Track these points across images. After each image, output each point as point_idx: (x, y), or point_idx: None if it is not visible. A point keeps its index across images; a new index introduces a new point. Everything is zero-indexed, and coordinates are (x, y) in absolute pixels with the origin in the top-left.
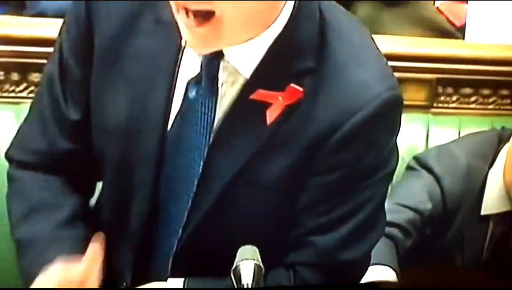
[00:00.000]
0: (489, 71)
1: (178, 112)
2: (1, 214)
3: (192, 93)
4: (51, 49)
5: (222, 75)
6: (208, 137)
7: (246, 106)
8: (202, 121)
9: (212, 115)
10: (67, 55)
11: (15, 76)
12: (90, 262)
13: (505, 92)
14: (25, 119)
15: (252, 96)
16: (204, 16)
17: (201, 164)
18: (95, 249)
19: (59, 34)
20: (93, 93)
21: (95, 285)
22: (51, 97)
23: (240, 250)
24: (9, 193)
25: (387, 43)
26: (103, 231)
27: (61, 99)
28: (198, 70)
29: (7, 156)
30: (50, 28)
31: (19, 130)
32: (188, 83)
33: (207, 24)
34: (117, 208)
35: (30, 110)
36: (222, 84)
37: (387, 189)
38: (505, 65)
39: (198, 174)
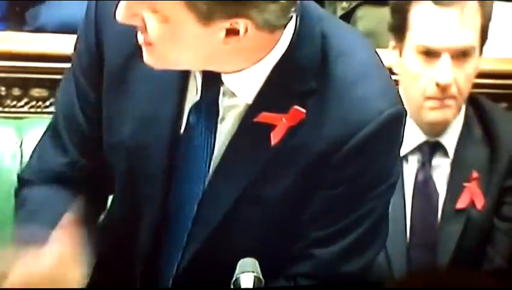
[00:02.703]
0: (488, 84)
1: (181, 137)
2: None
3: (193, 119)
4: (52, 65)
5: (222, 100)
6: (208, 162)
7: (249, 129)
8: (202, 147)
9: (212, 140)
10: (81, 78)
11: (16, 91)
12: (62, 256)
13: (503, 104)
14: (38, 143)
15: (256, 119)
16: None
17: (202, 188)
18: (70, 239)
19: (72, 57)
20: (104, 112)
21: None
22: (70, 120)
23: (240, 262)
24: (17, 211)
25: (386, 56)
26: (113, 245)
27: (82, 121)
28: (199, 96)
29: (19, 177)
30: (50, 43)
31: (32, 154)
32: (190, 109)
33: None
34: (125, 225)
35: (44, 134)
36: (222, 109)
37: (389, 200)
38: (504, 78)
39: (198, 196)
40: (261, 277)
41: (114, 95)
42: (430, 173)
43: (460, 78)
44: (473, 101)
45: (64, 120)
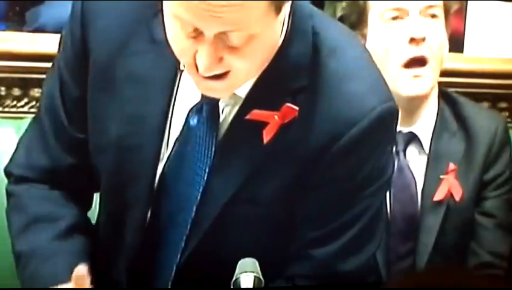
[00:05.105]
0: (488, 84)
1: (177, 139)
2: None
3: (193, 121)
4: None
5: (222, 101)
6: (209, 163)
7: (242, 127)
8: (203, 148)
9: (214, 141)
10: (65, 73)
11: (16, 91)
12: None
13: (503, 104)
14: (24, 135)
15: (248, 117)
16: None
17: (201, 189)
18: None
19: (57, 52)
20: (89, 111)
21: None
22: (52, 114)
23: (239, 263)
24: (8, 208)
25: None
26: (101, 244)
27: (62, 116)
28: (198, 98)
29: (7, 171)
30: (50, 43)
31: (18, 146)
32: (189, 111)
33: (222, 79)
34: (112, 223)
35: (29, 126)
36: (223, 109)
37: (384, 197)
38: (504, 78)
39: (196, 199)
40: (261, 277)
41: (100, 94)
42: (405, 162)
43: (432, 40)
44: (445, 96)
45: (46, 115)
